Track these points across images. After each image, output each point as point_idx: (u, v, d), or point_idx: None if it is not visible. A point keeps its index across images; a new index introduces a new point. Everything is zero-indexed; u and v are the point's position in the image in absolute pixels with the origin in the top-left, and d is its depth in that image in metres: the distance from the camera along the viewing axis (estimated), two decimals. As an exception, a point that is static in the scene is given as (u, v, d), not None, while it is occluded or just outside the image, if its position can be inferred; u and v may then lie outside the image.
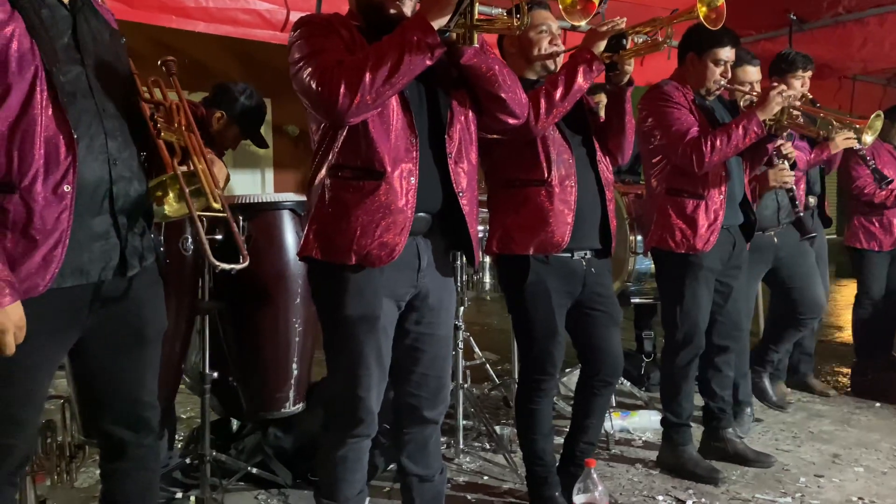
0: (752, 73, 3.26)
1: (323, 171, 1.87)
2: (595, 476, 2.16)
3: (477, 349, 4.09)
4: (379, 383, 1.92)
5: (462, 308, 3.31)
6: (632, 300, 3.98)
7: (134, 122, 1.69)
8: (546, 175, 2.37)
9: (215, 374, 2.49)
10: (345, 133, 1.83)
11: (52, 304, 1.54)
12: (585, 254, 2.47)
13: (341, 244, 1.83)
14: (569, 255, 2.42)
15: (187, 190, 1.58)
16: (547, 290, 2.41)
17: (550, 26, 2.47)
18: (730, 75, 2.91)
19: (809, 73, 3.55)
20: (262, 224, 2.48)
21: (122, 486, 1.87)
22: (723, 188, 2.84)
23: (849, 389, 4.27)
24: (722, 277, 2.96)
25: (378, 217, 1.81)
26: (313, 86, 1.74)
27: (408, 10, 1.88)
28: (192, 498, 2.51)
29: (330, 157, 1.86)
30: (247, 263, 1.65)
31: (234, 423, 3.01)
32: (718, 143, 2.70)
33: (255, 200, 2.50)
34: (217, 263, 1.58)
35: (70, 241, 1.52)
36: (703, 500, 2.76)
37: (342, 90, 1.70)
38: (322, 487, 2.01)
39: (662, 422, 3.07)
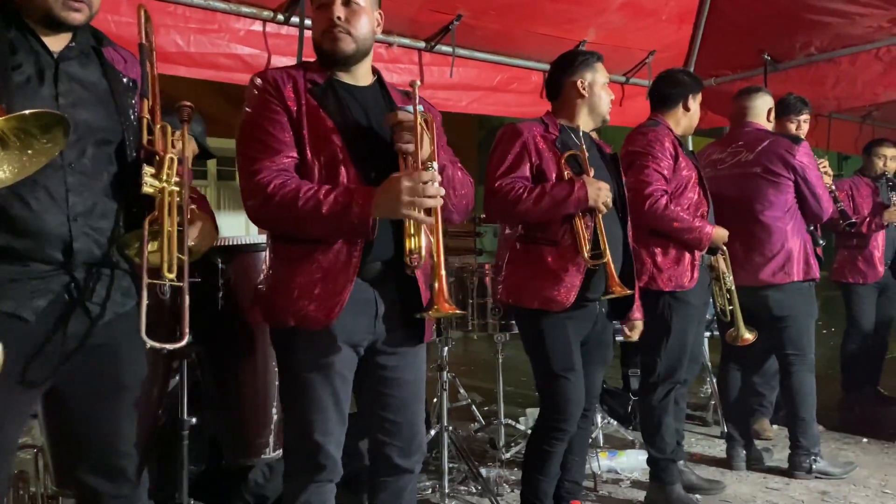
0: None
1: (268, 236, 1.91)
2: (582, 519, 2.13)
3: (462, 390, 4.06)
4: (338, 428, 1.88)
5: (446, 349, 3.29)
6: (617, 338, 3.97)
7: (127, 171, 1.68)
8: (558, 237, 2.40)
9: (193, 420, 2.43)
10: None
11: (15, 352, 1.51)
12: (601, 304, 2.50)
13: (280, 306, 1.82)
14: (586, 302, 2.44)
15: (146, 250, 1.57)
16: (564, 325, 2.43)
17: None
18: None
19: (805, 116, 3.63)
20: (241, 266, 2.45)
21: (98, 538, 1.82)
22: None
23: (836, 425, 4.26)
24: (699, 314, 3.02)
25: (316, 279, 1.78)
26: (243, 186, 1.82)
27: (343, 45, 1.85)
28: (170, 551, 2.44)
29: None
30: (184, 343, 1.61)
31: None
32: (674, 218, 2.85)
33: (234, 243, 2.48)
34: (147, 341, 1.54)
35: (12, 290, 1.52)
36: (690, 540, 2.72)
37: (260, 216, 1.80)
38: None
39: (648, 460, 3.04)
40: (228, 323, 2.44)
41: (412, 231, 1.76)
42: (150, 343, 1.56)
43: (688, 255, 2.90)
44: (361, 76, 1.94)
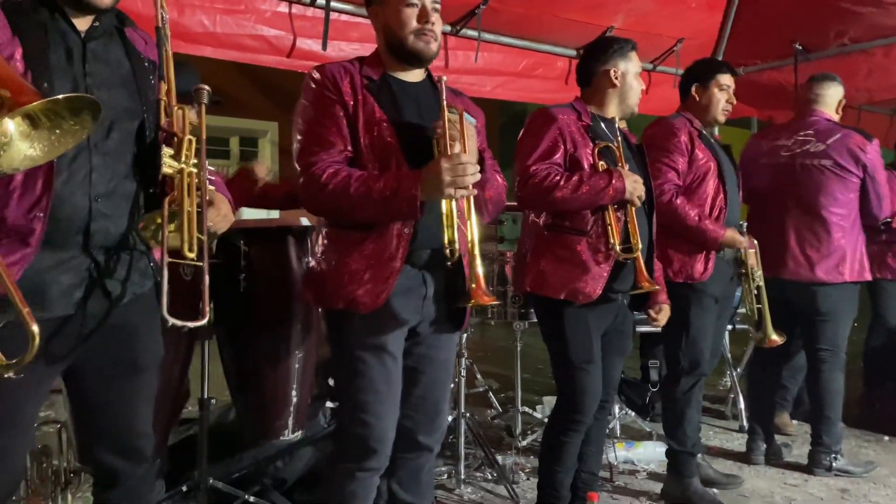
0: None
1: (322, 221, 1.96)
2: (598, 510, 2.12)
3: (479, 376, 4.07)
4: (390, 411, 1.92)
5: (465, 335, 3.28)
6: (638, 328, 3.95)
7: (146, 152, 1.68)
8: (587, 227, 2.37)
9: (213, 401, 2.46)
10: None
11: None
12: (624, 295, 2.47)
13: (331, 290, 1.88)
14: (612, 294, 2.41)
15: (166, 230, 1.57)
16: (586, 317, 2.40)
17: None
18: (734, 101, 2.93)
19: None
20: (264, 249, 2.46)
21: (115, 515, 1.84)
22: (720, 218, 2.88)
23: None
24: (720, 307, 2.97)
25: (366, 265, 1.85)
26: (300, 177, 1.88)
27: (431, 46, 1.92)
28: (188, 527, 2.47)
29: None
30: (204, 322, 1.61)
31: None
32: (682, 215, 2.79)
33: (257, 225, 2.49)
34: (169, 318, 1.55)
35: (32, 271, 1.52)
36: (708, 535, 2.70)
37: (315, 205, 1.89)
38: None
39: (667, 452, 3.03)
40: (250, 305, 2.46)
41: (450, 222, 1.81)
42: (171, 321, 1.56)
43: (699, 249, 2.84)
44: (415, 73, 1.99)
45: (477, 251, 1.80)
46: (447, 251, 1.80)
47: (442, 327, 2.02)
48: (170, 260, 1.58)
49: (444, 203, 1.80)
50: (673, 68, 4.45)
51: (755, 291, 3.03)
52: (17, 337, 1.37)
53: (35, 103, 1.22)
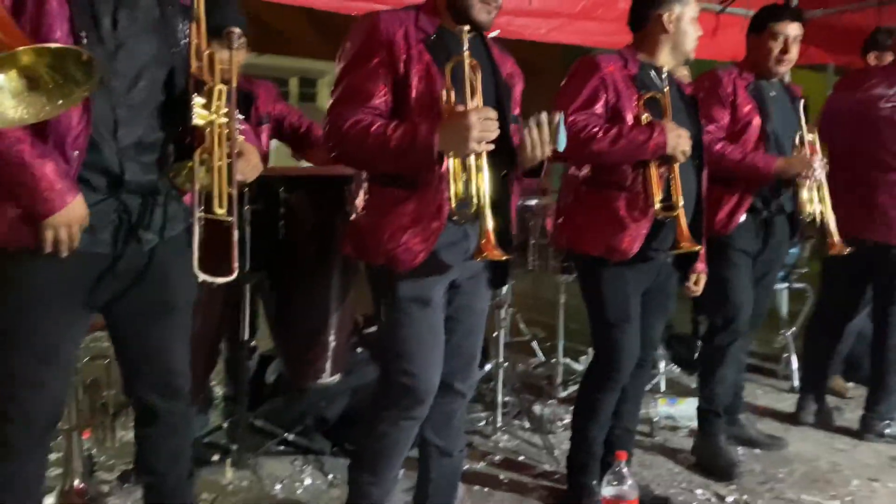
0: None
1: (363, 175, 1.95)
2: (625, 469, 2.11)
3: (523, 326, 4.06)
4: (437, 363, 1.95)
5: (505, 287, 3.26)
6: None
7: (176, 101, 1.69)
8: (628, 182, 2.29)
9: (254, 343, 2.53)
10: None
11: (62, 268, 1.58)
12: (666, 254, 2.38)
13: (371, 246, 1.90)
14: (651, 253, 2.34)
15: (197, 183, 1.58)
16: (624, 275, 2.35)
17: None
18: (792, 52, 2.73)
19: (891, 57, 3.32)
20: (303, 196, 2.48)
21: (155, 451, 1.93)
22: None
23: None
24: (757, 264, 2.85)
25: (407, 223, 1.85)
26: (325, 122, 1.87)
27: (492, 16, 1.91)
28: (228, 461, 2.58)
29: None
30: (233, 277, 1.64)
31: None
32: (727, 156, 2.64)
33: (297, 173, 2.50)
34: (200, 274, 1.59)
35: None
36: (744, 497, 2.66)
37: (336, 153, 1.86)
38: (362, 461, 2.03)
39: (697, 409, 2.98)
40: (289, 252, 2.49)
41: (470, 176, 1.78)
42: (202, 276, 1.60)
43: (727, 203, 2.72)
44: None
45: (488, 206, 1.78)
46: (470, 205, 1.78)
47: (481, 279, 2.06)
48: (200, 214, 1.61)
49: (470, 158, 1.78)
50: (742, 9, 4.19)
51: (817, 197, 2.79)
52: None
53: (21, 48, 1.19)
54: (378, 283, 1.96)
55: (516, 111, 2.05)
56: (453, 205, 1.81)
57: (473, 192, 1.78)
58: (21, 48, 1.19)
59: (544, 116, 1.87)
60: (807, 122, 2.86)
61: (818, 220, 2.79)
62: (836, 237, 2.79)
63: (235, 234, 1.65)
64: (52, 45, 1.26)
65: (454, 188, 1.79)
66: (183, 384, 1.90)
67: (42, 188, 1.51)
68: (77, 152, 1.55)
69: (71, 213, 1.54)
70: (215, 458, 2.65)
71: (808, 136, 2.81)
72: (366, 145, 1.78)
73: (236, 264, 1.66)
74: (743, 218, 2.74)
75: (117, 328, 1.82)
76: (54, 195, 1.52)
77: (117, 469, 2.61)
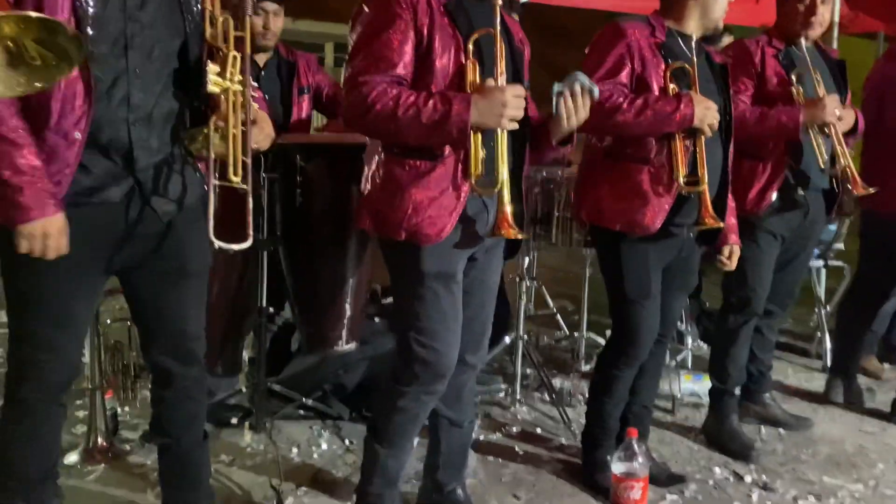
0: None
1: (378, 145, 1.89)
2: (636, 446, 2.09)
3: (549, 298, 4.03)
4: (457, 338, 1.94)
5: (527, 259, 3.23)
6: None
7: (190, 70, 1.69)
8: (651, 155, 2.22)
9: (272, 309, 2.56)
10: None
11: (78, 235, 1.60)
12: (689, 230, 2.32)
13: (393, 220, 1.84)
14: (673, 228, 2.28)
15: (212, 151, 1.58)
16: (645, 251, 2.30)
17: None
18: (819, 14, 2.60)
19: None
20: (320, 164, 2.47)
21: (169, 413, 1.98)
22: (782, 146, 2.61)
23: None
24: (789, 243, 2.76)
25: (430, 197, 1.81)
26: (346, 94, 1.80)
27: None
28: (247, 424, 2.63)
29: None
30: (248, 244, 1.64)
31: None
32: (748, 119, 2.51)
33: (314, 140, 2.49)
34: (215, 241, 1.59)
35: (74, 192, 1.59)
36: (763, 477, 2.62)
37: (360, 127, 1.80)
38: (378, 433, 2.04)
39: (710, 388, 2.93)
40: (306, 219, 2.50)
41: (496, 152, 1.76)
42: (217, 244, 1.61)
43: (757, 181, 2.62)
44: None
45: (506, 182, 1.76)
46: (494, 180, 1.77)
47: (495, 252, 2.04)
48: (216, 183, 1.62)
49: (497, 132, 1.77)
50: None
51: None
52: None
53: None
54: (399, 259, 1.91)
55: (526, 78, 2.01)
56: (475, 177, 1.78)
57: (496, 168, 1.76)
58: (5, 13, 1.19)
59: (577, 87, 1.81)
60: (845, 86, 2.73)
61: (847, 170, 2.62)
62: (860, 180, 2.61)
63: (250, 201, 1.65)
64: (34, 15, 1.24)
65: (475, 160, 1.77)
66: (197, 349, 1.93)
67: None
68: (79, 133, 1.56)
69: (49, 226, 1.53)
70: (234, 420, 2.71)
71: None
72: (394, 117, 1.71)
73: (251, 231, 1.66)
74: (775, 196, 2.64)
75: (133, 292, 1.86)
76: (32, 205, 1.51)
77: (140, 428, 2.68)
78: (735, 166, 2.46)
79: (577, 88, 1.81)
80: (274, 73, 2.85)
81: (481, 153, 1.77)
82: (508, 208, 1.76)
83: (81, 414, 2.67)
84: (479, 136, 1.77)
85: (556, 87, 1.80)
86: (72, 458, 2.45)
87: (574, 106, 1.83)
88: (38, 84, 1.28)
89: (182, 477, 2.01)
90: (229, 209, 1.71)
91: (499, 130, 1.76)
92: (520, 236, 1.80)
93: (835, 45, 4.08)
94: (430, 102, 1.71)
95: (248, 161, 1.66)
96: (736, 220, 2.44)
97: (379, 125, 1.76)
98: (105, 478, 2.40)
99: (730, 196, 2.38)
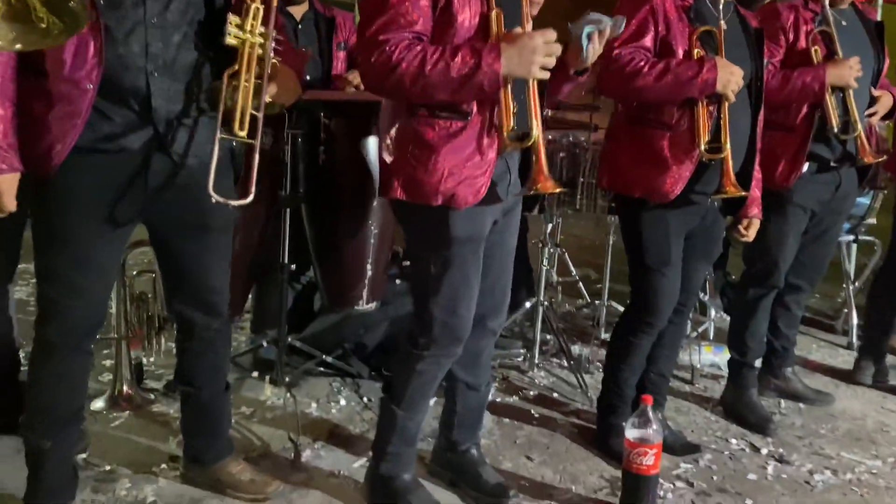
0: None
1: (398, 108, 1.81)
2: (651, 413, 2.09)
3: (572, 265, 4.02)
4: (475, 301, 1.93)
5: (549, 225, 3.21)
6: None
7: (213, 20, 1.69)
8: (673, 121, 2.18)
9: (293, 266, 2.58)
10: None
11: (99, 181, 1.64)
12: (711, 199, 2.27)
13: (429, 184, 1.76)
14: (694, 196, 2.24)
15: (222, 104, 1.58)
16: (665, 218, 2.27)
17: None
18: None
19: None
20: (344, 122, 2.47)
21: (192, 363, 2.02)
22: (813, 118, 2.54)
23: None
24: (820, 217, 2.71)
25: (465, 157, 1.75)
26: (364, 55, 1.70)
27: None
28: (267, 378, 2.68)
29: None
30: (248, 200, 1.65)
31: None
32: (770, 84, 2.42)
33: (339, 98, 2.48)
34: (213, 195, 1.60)
35: (87, 137, 1.61)
36: (780, 450, 2.61)
37: (385, 84, 1.69)
38: (394, 395, 2.02)
39: (728, 361, 2.91)
40: (328, 177, 2.51)
41: (532, 102, 1.70)
42: (215, 197, 1.62)
43: (786, 153, 2.56)
44: None
45: (541, 135, 1.70)
46: (529, 134, 1.71)
47: (514, 214, 2.02)
48: (221, 136, 1.62)
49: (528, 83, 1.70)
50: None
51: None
52: None
53: None
54: (425, 224, 1.85)
55: None
56: (507, 133, 1.71)
57: (529, 121, 1.69)
58: None
59: (607, 27, 1.75)
60: (882, 50, 2.63)
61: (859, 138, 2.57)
62: (868, 146, 2.57)
63: (256, 156, 1.65)
64: None
65: (507, 113, 1.70)
66: (219, 302, 1.96)
67: None
68: (90, 84, 1.57)
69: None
70: (254, 374, 2.76)
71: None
72: (422, 75, 1.63)
73: (253, 188, 1.66)
74: (805, 168, 2.58)
75: (158, 243, 1.90)
76: None
77: (164, 378, 2.74)
78: (764, 138, 2.40)
79: (607, 29, 1.76)
80: (312, 27, 2.84)
81: (513, 106, 1.70)
82: (545, 161, 1.71)
83: (108, 363, 2.74)
84: (510, 87, 1.69)
85: (587, 28, 1.73)
86: (98, 404, 2.52)
87: (601, 48, 1.78)
88: (32, 44, 1.28)
89: (203, 425, 2.06)
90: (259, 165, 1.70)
91: (530, 80, 1.69)
92: (558, 189, 1.75)
93: (878, 15, 3.95)
94: (459, 56, 1.64)
95: (259, 115, 1.65)
96: (760, 192, 2.39)
97: (405, 85, 1.66)
98: (129, 424, 2.47)
99: (756, 167, 2.33)
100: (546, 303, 3.16)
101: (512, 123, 1.72)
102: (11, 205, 1.62)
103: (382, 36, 1.66)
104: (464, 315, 1.91)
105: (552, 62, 1.67)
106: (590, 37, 1.75)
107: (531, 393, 2.96)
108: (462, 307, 1.90)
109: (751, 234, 2.42)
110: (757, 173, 2.34)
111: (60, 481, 1.85)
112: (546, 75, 1.68)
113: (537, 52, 1.63)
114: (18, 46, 1.27)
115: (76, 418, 1.88)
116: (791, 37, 2.53)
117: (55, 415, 1.82)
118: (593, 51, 1.78)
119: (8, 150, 1.58)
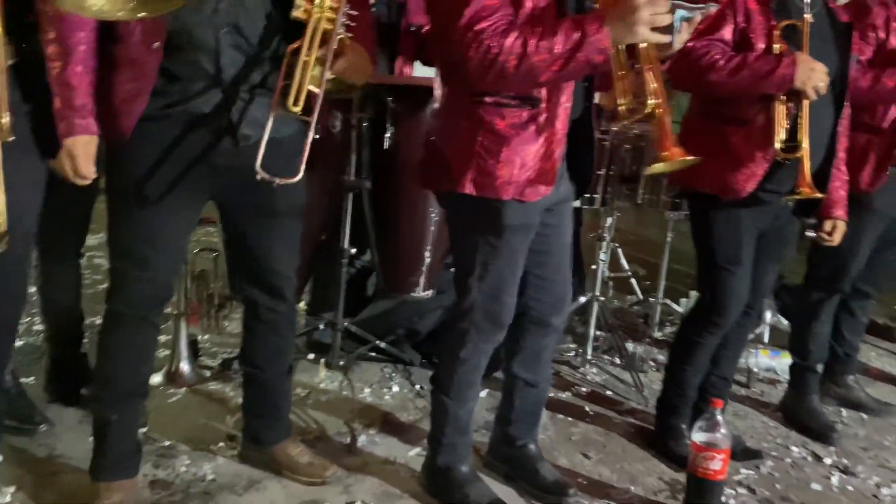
0: None
1: (465, 94, 1.73)
2: (720, 417, 2.03)
3: (624, 262, 3.95)
4: (516, 289, 1.91)
5: (610, 219, 3.15)
6: (808, 234, 3.61)
7: None
8: (749, 116, 2.10)
9: (353, 251, 2.56)
10: None
11: (170, 151, 1.64)
12: (786, 199, 2.19)
13: (502, 179, 1.71)
14: (767, 194, 2.16)
15: (281, 80, 1.55)
16: (738, 216, 2.20)
17: None
18: None
19: None
20: (410, 107, 2.43)
21: (257, 344, 2.02)
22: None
23: None
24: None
25: (536, 148, 1.72)
26: (457, 47, 1.59)
27: None
28: (322, 361, 2.67)
29: None
30: (297, 179, 1.62)
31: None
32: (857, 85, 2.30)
33: (405, 82, 2.45)
34: (259, 172, 1.58)
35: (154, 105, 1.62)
36: (844, 461, 2.53)
37: (487, 76, 1.58)
38: (442, 384, 2.00)
39: (790, 365, 2.83)
40: (393, 162, 2.48)
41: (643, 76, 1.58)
42: (261, 175, 1.60)
43: (872, 156, 2.47)
44: None
45: (666, 110, 1.59)
46: (648, 104, 1.58)
47: (568, 204, 1.97)
48: (276, 113, 1.59)
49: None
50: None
51: None
52: None
53: None
54: (476, 211, 1.79)
55: None
56: (627, 107, 1.60)
57: (646, 90, 1.57)
58: None
59: (698, 17, 1.68)
60: None
61: None
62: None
63: (311, 134, 1.62)
64: None
65: (622, 87, 1.59)
66: (284, 286, 1.94)
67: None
68: (158, 43, 1.57)
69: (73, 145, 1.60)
70: (310, 356, 2.75)
71: None
72: (529, 61, 1.55)
73: (303, 167, 1.64)
74: (889, 172, 2.48)
75: (227, 222, 1.89)
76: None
77: (220, 357, 2.75)
78: (850, 140, 2.32)
79: (697, 16, 1.68)
80: (384, 7, 2.81)
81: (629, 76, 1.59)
82: (674, 136, 1.62)
83: (163, 338, 2.76)
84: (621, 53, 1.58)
85: (679, 14, 1.63)
86: (156, 379, 2.53)
87: (688, 33, 1.70)
88: (142, 14, 1.27)
89: (264, 407, 2.05)
90: (321, 150, 1.68)
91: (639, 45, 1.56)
92: (689, 158, 1.66)
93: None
94: (560, 32, 1.54)
95: (319, 92, 1.60)
96: (846, 193, 2.31)
97: (509, 73, 1.57)
98: (185, 401, 2.48)
99: (843, 168, 2.24)
100: (603, 298, 3.10)
101: (630, 99, 1.60)
102: (89, 169, 1.63)
103: (478, 26, 1.58)
104: (507, 301, 1.89)
105: (663, 20, 1.53)
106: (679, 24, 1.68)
107: (583, 389, 2.92)
108: (506, 294, 1.87)
109: (836, 238, 2.33)
110: (844, 174, 2.25)
111: (125, 455, 1.86)
112: (657, 37, 1.55)
113: (640, 11, 1.50)
114: (142, 14, 1.26)
115: (141, 392, 1.89)
116: (882, 34, 2.42)
117: (121, 387, 1.82)
118: (680, 40, 1.71)
119: (86, 114, 1.58)
